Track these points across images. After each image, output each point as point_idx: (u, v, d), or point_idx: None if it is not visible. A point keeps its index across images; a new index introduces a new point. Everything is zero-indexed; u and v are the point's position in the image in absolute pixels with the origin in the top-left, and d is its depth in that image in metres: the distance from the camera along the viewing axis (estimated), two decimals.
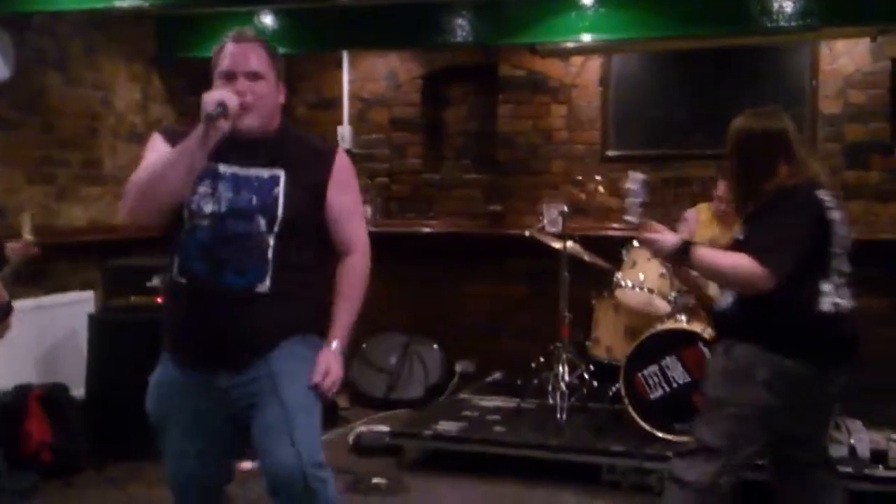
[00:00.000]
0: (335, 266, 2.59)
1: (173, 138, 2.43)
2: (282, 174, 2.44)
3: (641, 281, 4.53)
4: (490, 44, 5.66)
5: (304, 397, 2.46)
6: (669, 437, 4.25)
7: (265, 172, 2.44)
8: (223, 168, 2.42)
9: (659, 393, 4.34)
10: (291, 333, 2.48)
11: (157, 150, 2.44)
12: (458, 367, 5.97)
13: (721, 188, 4.74)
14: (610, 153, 5.95)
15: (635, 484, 4.13)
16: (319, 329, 2.56)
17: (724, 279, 2.77)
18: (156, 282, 4.51)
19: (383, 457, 4.59)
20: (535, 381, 4.91)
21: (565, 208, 4.96)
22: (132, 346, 4.18)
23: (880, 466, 3.87)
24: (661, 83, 5.82)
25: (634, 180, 3.05)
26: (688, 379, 4.28)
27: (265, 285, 2.41)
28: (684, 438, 4.19)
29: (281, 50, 2.99)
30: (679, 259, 2.78)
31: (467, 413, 4.92)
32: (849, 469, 3.86)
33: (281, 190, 2.43)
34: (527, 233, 5.05)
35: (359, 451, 4.74)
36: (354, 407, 5.65)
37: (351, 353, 5.93)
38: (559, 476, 4.23)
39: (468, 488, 4.18)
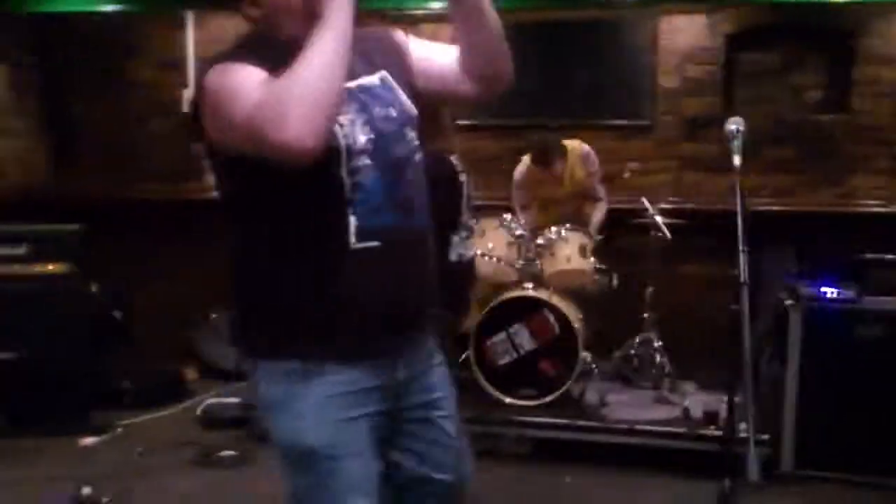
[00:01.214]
0: None
1: (260, 57, 1.70)
2: (386, 75, 1.87)
3: (490, 249, 4.58)
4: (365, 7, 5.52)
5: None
6: (516, 401, 4.36)
7: (375, 77, 1.85)
8: (350, 83, 1.76)
9: (506, 359, 4.43)
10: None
11: (256, 74, 1.66)
12: None
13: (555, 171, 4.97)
14: (460, 122, 5.96)
15: (484, 449, 4.19)
16: None
17: None
18: None
19: (232, 429, 4.50)
20: None
21: None
22: None
23: (712, 427, 4.07)
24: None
25: None
26: (534, 346, 4.39)
27: (426, 218, 1.88)
28: (530, 403, 4.34)
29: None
30: None
31: None
32: (682, 430, 4.07)
33: (399, 92, 1.86)
34: None
35: (207, 423, 4.64)
36: (203, 379, 5.50)
37: (200, 325, 5.75)
38: None
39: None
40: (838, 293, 3.87)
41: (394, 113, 1.83)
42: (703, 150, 5.70)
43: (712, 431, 4.02)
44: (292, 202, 1.73)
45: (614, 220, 5.31)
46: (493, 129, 5.68)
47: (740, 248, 2.48)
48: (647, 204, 4.80)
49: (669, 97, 5.71)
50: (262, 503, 3.39)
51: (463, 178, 3.30)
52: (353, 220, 1.74)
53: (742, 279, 2.45)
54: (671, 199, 5.41)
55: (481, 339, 4.44)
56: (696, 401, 4.38)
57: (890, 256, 4.13)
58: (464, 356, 4.67)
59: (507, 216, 4.73)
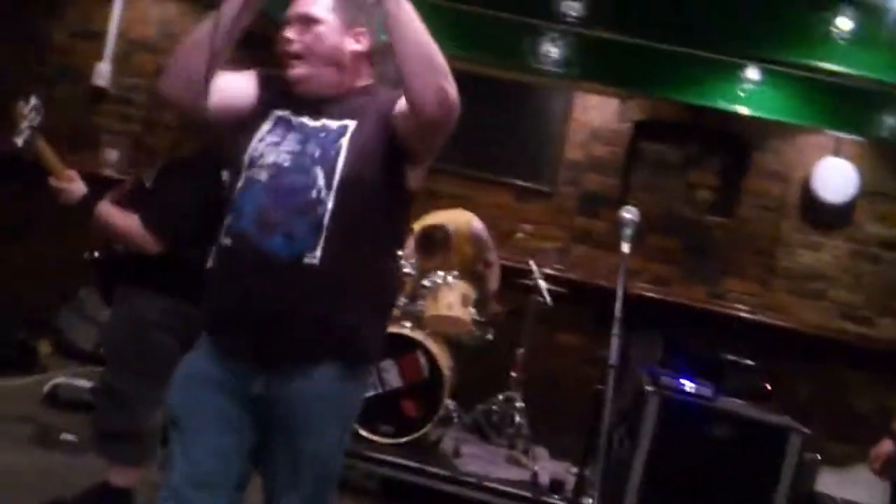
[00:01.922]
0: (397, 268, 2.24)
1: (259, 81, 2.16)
2: (352, 124, 2.02)
3: None
4: (274, 17, 5.50)
5: (328, 464, 2.06)
6: (372, 437, 4.34)
7: (334, 123, 2.02)
8: (294, 118, 2.05)
9: (371, 393, 4.40)
10: (342, 341, 2.01)
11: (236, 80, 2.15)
12: None
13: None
14: None
15: None
16: (371, 346, 2.10)
17: None
18: None
19: (78, 413, 4.29)
20: None
21: None
22: None
23: (556, 497, 4.16)
24: None
25: None
26: (401, 384, 4.39)
27: (315, 256, 1.94)
28: (386, 440, 4.33)
29: None
30: None
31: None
32: (528, 494, 4.14)
33: (346, 140, 1.99)
34: None
35: (53, 402, 4.42)
36: (58, 356, 5.24)
37: (65, 301, 5.51)
38: None
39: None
40: (696, 388, 4.03)
41: (315, 153, 1.98)
42: (594, 226, 5.89)
43: (556, 500, 4.11)
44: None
45: (500, 277, 5.41)
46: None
47: (614, 331, 2.57)
48: (533, 267, 4.92)
49: (572, 169, 5.89)
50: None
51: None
52: (228, 218, 2.00)
53: (611, 362, 2.53)
54: (557, 266, 5.56)
55: None
56: (546, 467, 4.49)
57: (748, 362, 4.35)
58: None
59: (398, 253, 4.74)
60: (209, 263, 2.04)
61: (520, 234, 5.08)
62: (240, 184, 2.01)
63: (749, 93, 5.06)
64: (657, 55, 4.94)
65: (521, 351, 4.89)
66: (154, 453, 3.17)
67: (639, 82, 5.22)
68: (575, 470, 4.53)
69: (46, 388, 4.51)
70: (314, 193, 1.95)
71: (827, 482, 4.37)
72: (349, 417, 2.13)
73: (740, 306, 5.73)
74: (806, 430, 4.01)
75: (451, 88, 1.97)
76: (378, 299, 2.10)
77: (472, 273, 5.00)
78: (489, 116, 5.69)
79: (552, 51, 4.91)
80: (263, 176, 1.98)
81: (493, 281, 5.07)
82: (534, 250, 5.37)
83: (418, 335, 4.48)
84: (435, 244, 4.86)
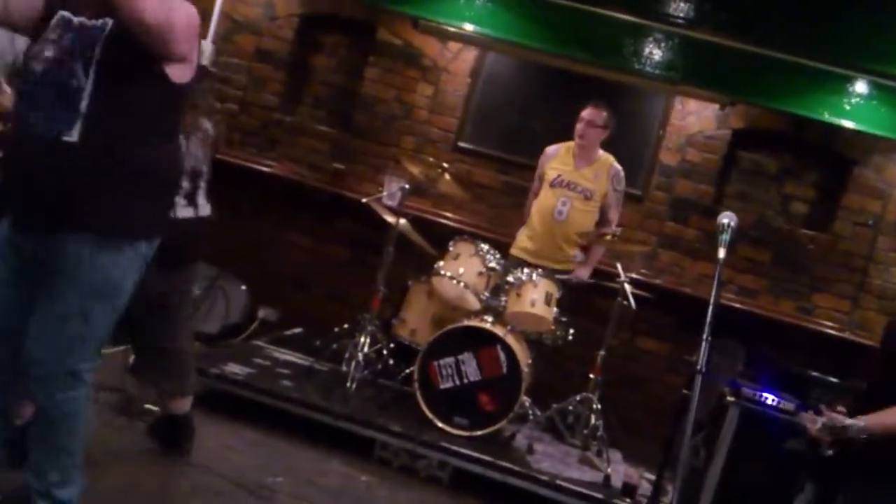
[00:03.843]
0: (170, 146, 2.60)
1: None
2: (108, 22, 2.39)
3: (460, 274, 4.63)
4: (370, 3, 5.62)
5: (55, 315, 2.46)
6: (447, 428, 4.39)
7: (98, 21, 2.41)
8: (74, 19, 2.42)
9: (449, 384, 4.46)
10: (100, 209, 2.41)
11: None
12: (261, 314, 5.89)
13: (593, 114, 4.93)
14: (462, 144, 6.04)
15: (404, 465, 4.23)
16: (127, 223, 2.49)
17: None
18: None
19: None
20: (335, 346, 4.93)
21: (407, 186, 4.99)
22: None
23: (628, 500, 4.14)
24: (526, 91, 5.97)
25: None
26: (479, 377, 4.43)
27: (72, 135, 2.35)
28: (460, 433, 4.37)
29: None
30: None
31: (259, 360, 4.87)
32: (599, 496, 4.13)
33: (103, 37, 2.38)
34: (364, 199, 5.04)
35: (136, 372, 4.57)
36: None
37: None
38: (333, 442, 4.26)
39: (239, 434, 4.13)
40: (778, 402, 3.95)
41: (77, 49, 2.36)
42: (684, 232, 5.82)
43: (627, 503, 4.08)
44: None
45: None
46: (493, 160, 5.76)
47: (705, 336, 2.54)
48: (620, 270, 4.89)
49: (666, 174, 5.83)
50: None
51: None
52: (22, 108, 2.42)
53: (699, 367, 2.51)
54: (644, 271, 5.51)
55: (429, 359, 4.48)
56: (619, 470, 4.46)
57: (833, 379, 4.25)
58: (408, 371, 4.71)
59: (485, 247, 4.78)
60: (10, 146, 2.47)
61: (609, 236, 5.05)
62: (25, 77, 2.42)
63: (855, 106, 4.93)
64: (762, 62, 4.85)
65: (601, 353, 4.87)
66: None
67: (741, 89, 5.12)
68: (648, 475, 4.52)
69: (132, 358, 4.65)
70: (71, 76, 2.35)
71: None
72: (99, 285, 2.45)
73: (829, 323, 5.59)
74: None
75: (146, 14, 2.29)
76: (140, 180, 2.47)
77: (602, 209, 5.04)
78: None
79: (655, 52, 4.86)
80: (40, 67, 2.38)
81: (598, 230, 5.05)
82: (622, 253, 5.33)
83: (499, 330, 4.50)
84: (602, 102, 4.96)
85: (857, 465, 2.87)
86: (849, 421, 2.75)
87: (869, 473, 2.85)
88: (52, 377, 2.46)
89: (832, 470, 2.95)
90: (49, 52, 2.38)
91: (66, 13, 2.43)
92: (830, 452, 2.57)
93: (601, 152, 5.06)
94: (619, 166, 5.06)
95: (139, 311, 3.07)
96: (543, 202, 5.07)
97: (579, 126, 4.98)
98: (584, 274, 5.02)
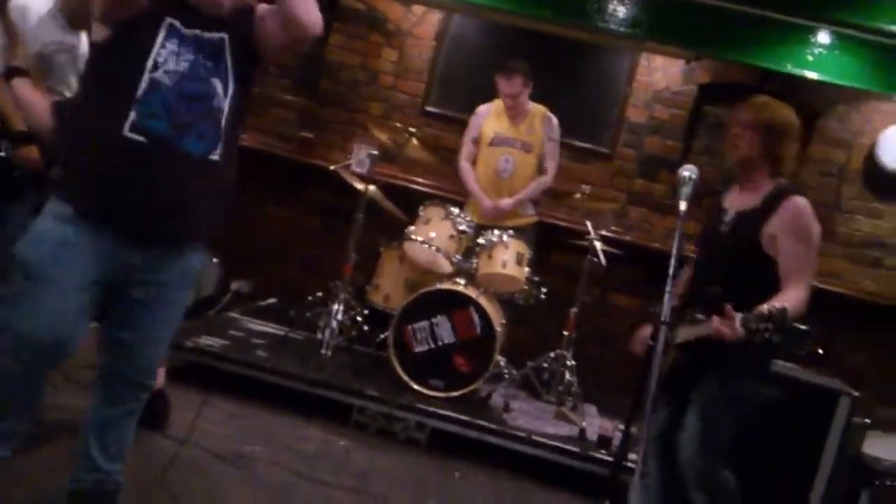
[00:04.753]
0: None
1: None
2: (225, 37, 2.43)
3: (431, 238, 4.65)
4: None
5: (176, 319, 2.61)
6: (423, 390, 4.43)
7: (214, 35, 2.41)
8: (185, 30, 2.37)
9: (424, 347, 4.49)
10: (214, 221, 2.52)
11: None
12: (234, 286, 5.88)
13: (510, 86, 4.92)
14: (429, 108, 6.03)
15: (382, 429, 4.27)
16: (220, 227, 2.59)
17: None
18: None
19: None
20: (309, 314, 4.94)
21: (375, 152, 4.98)
22: None
23: (603, 452, 4.21)
24: (492, 53, 5.93)
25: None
26: (453, 340, 4.46)
27: (216, 154, 2.40)
28: (437, 394, 4.41)
29: None
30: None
31: (233, 332, 4.87)
32: (575, 449, 4.20)
33: (228, 53, 2.42)
34: (332, 167, 5.03)
35: None
36: None
37: None
38: (310, 409, 4.29)
39: (216, 406, 4.14)
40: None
41: (210, 65, 2.38)
42: (653, 189, 5.86)
43: (603, 456, 4.16)
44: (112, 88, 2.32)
45: (555, 237, 5.43)
46: (460, 123, 5.74)
47: (667, 288, 2.58)
48: (590, 228, 4.92)
49: (633, 131, 5.85)
50: None
51: None
52: (132, 114, 2.27)
53: (663, 318, 2.55)
54: (614, 228, 5.55)
55: (403, 323, 4.50)
56: (594, 424, 4.53)
57: (801, 326, 4.31)
58: (383, 336, 4.73)
59: (455, 210, 4.79)
60: (102, 150, 2.30)
61: (578, 195, 5.08)
62: (143, 84, 2.29)
63: (818, 57, 4.95)
64: (726, 16, 4.85)
65: (573, 310, 4.92)
66: None
67: (706, 44, 5.12)
68: (622, 427, 4.58)
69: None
70: (216, 103, 2.38)
71: (875, 445, 4.35)
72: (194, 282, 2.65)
73: None
74: (855, 394, 4.01)
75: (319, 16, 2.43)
76: (231, 191, 2.55)
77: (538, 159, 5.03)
78: (550, 76, 5.66)
79: (619, 9, 4.86)
80: (168, 80, 2.31)
81: (536, 185, 5.04)
82: (591, 211, 5.37)
83: (472, 292, 4.53)
84: (515, 66, 4.91)
85: (709, 362, 2.92)
86: (769, 305, 2.56)
87: (721, 365, 2.91)
88: (152, 380, 2.67)
89: (682, 375, 3.00)
90: (175, 65, 2.32)
91: (174, 21, 2.35)
92: (778, 339, 2.53)
93: (531, 104, 5.07)
94: (551, 115, 5.07)
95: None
96: (486, 162, 5.08)
97: (504, 100, 5.01)
98: (506, 204, 4.97)
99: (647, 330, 3.04)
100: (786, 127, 3.03)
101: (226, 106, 2.40)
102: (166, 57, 2.31)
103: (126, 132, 2.27)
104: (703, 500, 3.01)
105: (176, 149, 2.32)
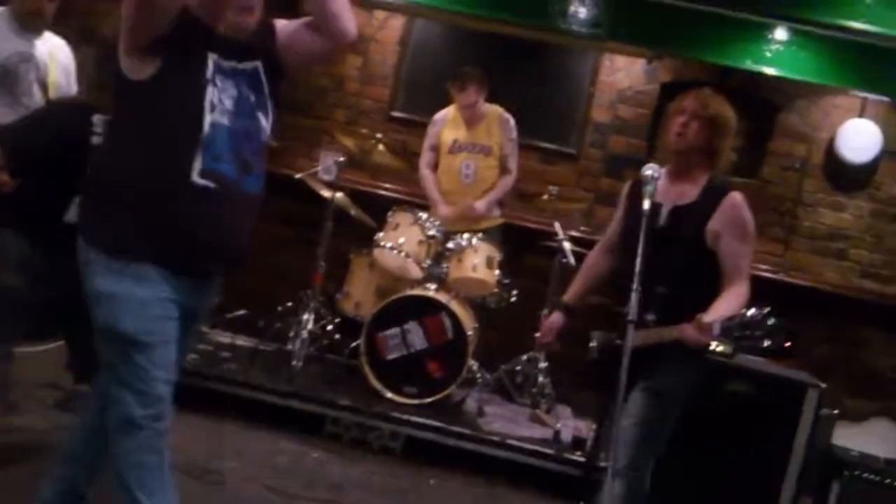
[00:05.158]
0: None
1: None
2: (259, 65, 2.36)
3: (400, 244, 4.63)
4: None
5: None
6: (397, 398, 4.41)
7: (249, 65, 2.34)
8: (224, 63, 2.28)
9: (396, 354, 4.48)
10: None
11: None
12: None
13: (465, 97, 4.95)
14: (395, 114, 6.01)
15: (355, 438, 4.25)
16: None
17: None
18: None
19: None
20: (279, 325, 4.91)
21: (342, 158, 4.96)
22: None
23: (577, 453, 4.21)
24: (456, 57, 5.91)
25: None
26: (425, 345, 4.45)
27: (258, 188, 2.36)
28: (410, 401, 4.39)
29: None
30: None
31: (201, 346, 4.81)
32: (550, 451, 4.20)
33: (264, 81, 2.36)
34: (297, 175, 5.00)
35: (73, 369, 4.47)
36: None
37: None
38: (282, 422, 4.25)
39: (187, 423, 4.07)
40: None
41: (253, 98, 2.31)
42: (620, 188, 5.81)
43: (577, 457, 4.16)
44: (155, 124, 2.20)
45: (524, 239, 5.44)
46: (422, 126, 5.73)
47: (634, 286, 2.59)
48: (558, 229, 4.94)
49: (598, 131, 5.88)
50: None
51: (96, 140, 3.06)
52: (199, 159, 2.18)
53: (630, 317, 2.56)
54: (582, 228, 5.56)
55: (374, 331, 4.48)
56: (569, 425, 4.53)
57: (774, 321, 4.34)
58: (354, 344, 4.71)
59: (424, 215, 4.78)
60: (170, 200, 2.19)
61: (545, 196, 5.08)
62: (206, 127, 2.19)
63: (776, 53, 5.00)
64: (685, 15, 4.89)
65: (544, 312, 4.92)
66: None
67: (666, 42, 5.16)
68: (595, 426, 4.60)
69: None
70: (263, 137, 2.35)
71: (843, 435, 4.41)
72: None
73: (762, 266, 5.71)
74: (823, 386, 4.05)
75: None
76: None
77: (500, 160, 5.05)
78: (514, 78, 5.68)
79: (580, 10, 4.88)
80: (226, 121, 2.23)
81: (503, 186, 5.08)
82: (559, 212, 5.38)
83: (443, 297, 4.52)
84: (468, 76, 4.96)
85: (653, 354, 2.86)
86: (741, 312, 2.68)
87: (664, 359, 2.88)
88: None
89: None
90: (226, 104, 2.24)
91: (214, 55, 2.24)
92: (767, 342, 2.58)
93: (487, 106, 5.08)
94: (507, 115, 5.10)
95: (76, 306, 3.01)
96: (448, 169, 5.10)
97: (460, 109, 5.06)
98: (481, 206, 5.00)
99: (556, 318, 3.05)
100: (729, 121, 3.05)
101: (265, 138, 2.37)
102: (219, 96, 2.23)
103: (195, 178, 2.18)
104: (620, 485, 2.85)
105: (241, 191, 2.28)
